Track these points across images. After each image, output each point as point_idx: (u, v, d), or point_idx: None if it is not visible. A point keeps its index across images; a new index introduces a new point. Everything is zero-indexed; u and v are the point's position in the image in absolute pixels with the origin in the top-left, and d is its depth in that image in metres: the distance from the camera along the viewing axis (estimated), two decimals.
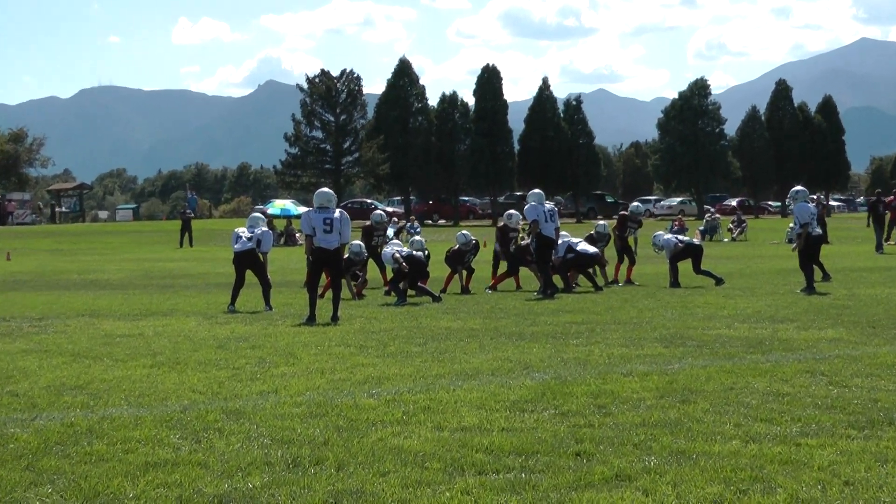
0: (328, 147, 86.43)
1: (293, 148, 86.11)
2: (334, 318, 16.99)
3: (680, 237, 25.38)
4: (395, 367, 11.58)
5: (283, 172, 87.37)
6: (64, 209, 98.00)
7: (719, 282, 23.24)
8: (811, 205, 22.12)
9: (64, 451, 7.76)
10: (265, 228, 20.53)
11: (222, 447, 7.84)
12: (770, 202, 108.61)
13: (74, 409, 9.40)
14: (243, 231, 20.26)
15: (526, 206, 22.38)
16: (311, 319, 16.95)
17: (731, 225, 59.00)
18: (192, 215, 59.16)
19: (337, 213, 17.49)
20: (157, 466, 7.32)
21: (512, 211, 24.83)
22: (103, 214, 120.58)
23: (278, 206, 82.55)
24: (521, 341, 13.84)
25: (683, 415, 8.73)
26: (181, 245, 55.30)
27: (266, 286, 19.80)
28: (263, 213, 78.38)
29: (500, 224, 24.33)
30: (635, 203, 26.61)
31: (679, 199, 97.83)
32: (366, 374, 11.09)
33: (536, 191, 23.01)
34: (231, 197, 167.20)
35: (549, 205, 22.50)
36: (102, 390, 10.32)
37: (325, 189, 18.40)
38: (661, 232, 25.73)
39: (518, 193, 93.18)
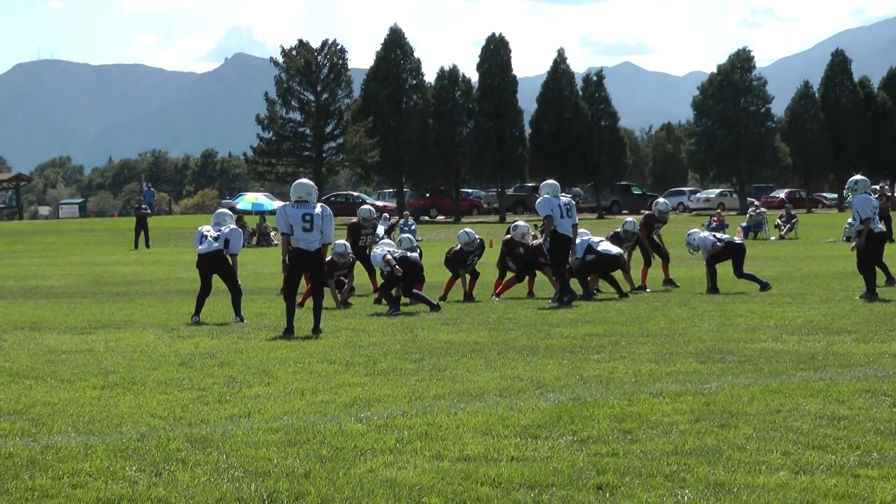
0: (307, 131, 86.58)
1: (266, 132, 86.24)
2: (315, 331, 17.05)
3: (719, 235, 25.44)
4: (386, 387, 11.64)
5: (254, 161, 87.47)
6: None
7: (765, 287, 23.29)
8: (873, 197, 22.20)
9: (2, 487, 7.81)
10: (234, 226, 20.60)
11: (186, 480, 7.89)
12: (825, 194, 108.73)
13: (13, 437, 9.45)
14: (208, 230, 20.32)
15: (538, 200, 22.44)
16: (288, 332, 17.02)
17: (778, 221, 59.08)
18: (149, 212, 59.31)
19: (318, 208, 17.51)
20: (110, 503, 7.37)
21: (519, 222, 24.82)
22: (44, 210, 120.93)
23: (249, 200, 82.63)
24: (534, 357, 13.90)
25: (722, 441, 8.79)
26: (136, 246, 55.39)
27: (236, 293, 19.86)
28: (232, 208, 78.60)
29: (506, 238, 24.29)
30: (662, 200, 26.56)
31: (718, 190, 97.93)
32: (353, 396, 11.15)
33: (550, 182, 23.05)
34: (194, 190, 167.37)
35: (565, 198, 22.56)
36: (46, 415, 10.37)
37: (304, 180, 18.44)
38: (696, 229, 25.79)
39: (529, 185, 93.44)
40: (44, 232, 68.59)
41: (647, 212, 26.29)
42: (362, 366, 13.33)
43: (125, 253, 52.03)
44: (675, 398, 10.61)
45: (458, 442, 8.94)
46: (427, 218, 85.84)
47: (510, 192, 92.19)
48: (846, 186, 22.35)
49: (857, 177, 22.35)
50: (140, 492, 7.61)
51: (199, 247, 20.17)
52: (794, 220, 58.80)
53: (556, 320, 18.44)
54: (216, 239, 20.02)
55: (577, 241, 22.95)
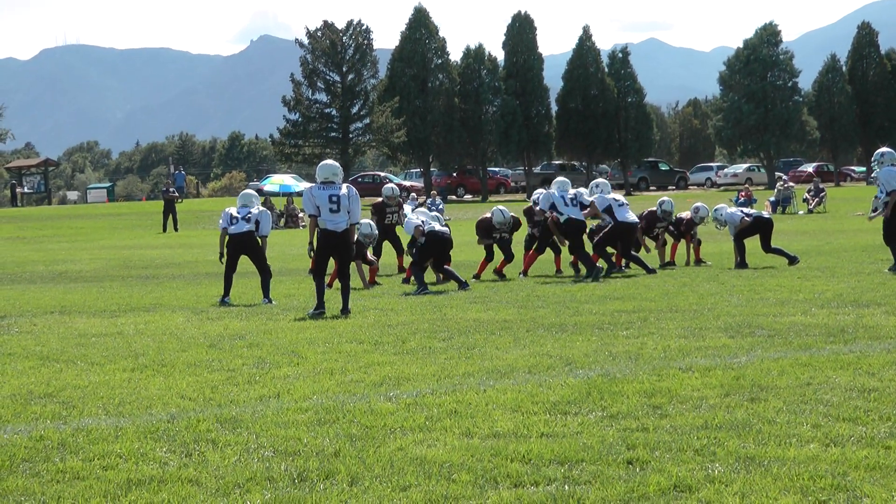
0: (334, 112, 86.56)
1: (293, 114, 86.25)
2: (344, 311, 17.07)
3: (747, 210, 25.40)
4: (415, 366, 11.64)
5: (281, 143, 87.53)
6: (27, 190, 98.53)
7: (793, 260, 23.25)
8: None
9: (33, 469, 7.85)
10: (262, 208, 20.61)
11: (217, 461, 7.92)
12: (853, 167, 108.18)
13: (44, 420, 9.49)
14: (235, 211, 20.34)
15: (541, 195, 22.96)
16: (318, 311, 17.05)
17: (806, 195, 58.92)
18: (177, 195, 59.40)
19: (344, 188, 17.52)
20: (141, 484, 7.40)
21: (539, 190, 25.04)
22: (73, 195, 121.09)
23: (276, 181, 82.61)
24: (563, 333, 13.89)
25: (752, 415, 8.76)
26: (164, 230, 55.54)
27: (265, 275, 19.89)
28: (259, 191, 78.65)
29: (525, 208, 24.62)
30: (668, 199, 25.86)
31: (746, 165, 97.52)
32: (382, 375, 11.16)
33: (561, 179, 23.48)
34: (221, 172, 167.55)
35: (573, 191, 22.88)
36: (76, 398, 10.41)
37: (330, 161, 18.46)
38: (723, 205, 25.69)
39: (556, 163, 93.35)
40: (72, 216, 68.83)
41: (651, 209, 25.76)
42: (391, 345, 13.34)
43: (153, 236, 52.20)
44: (704, 373, 10.58)
45: (487, 419, 8.94)
46: (454, 197, 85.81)
47: (537, 170, 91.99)
48: (873, 159, 22.22)
49: (884, 149, 22.20)
50: (171, 472, 7.63)
51: (230, 228, 20.14)
52: (822, 194, 58.60)
53: (584, 297, 18.41)
54: (247, 220, 20.01)
55: (596, 196, 23.64)
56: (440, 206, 51.86)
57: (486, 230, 23.79)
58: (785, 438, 7.99)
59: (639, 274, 22.67)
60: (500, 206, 24.55)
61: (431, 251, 21.31)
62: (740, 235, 23.92)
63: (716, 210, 24.79)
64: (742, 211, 24.75)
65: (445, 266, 21.61)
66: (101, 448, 8.32)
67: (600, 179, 24.85)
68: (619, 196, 24.34)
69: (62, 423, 9.27)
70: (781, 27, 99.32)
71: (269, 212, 20.72)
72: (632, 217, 23.63)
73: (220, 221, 20.61)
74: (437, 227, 21.87)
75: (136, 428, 8.98)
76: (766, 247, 23.97)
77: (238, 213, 20.23)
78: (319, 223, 17.45)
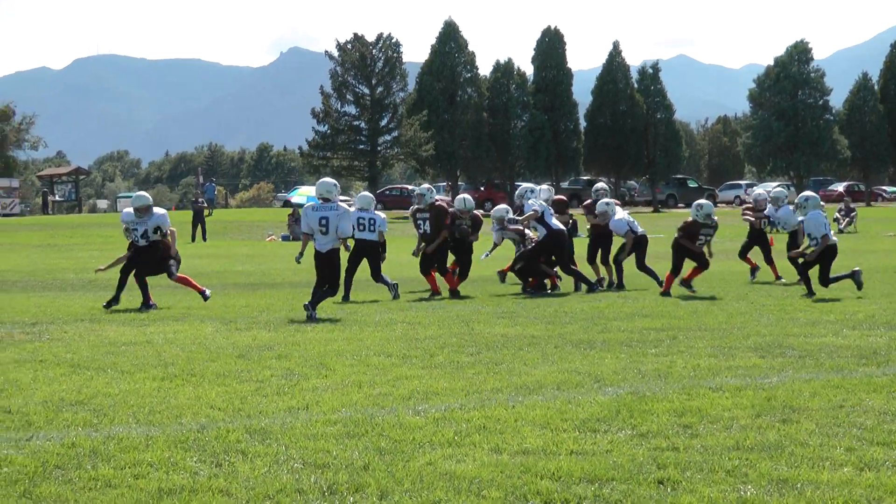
0: (362, 124, 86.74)
1: (322, 125, 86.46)
2: (307, 307, 18.27)
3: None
4: (444, 380, 11.63)
5: (309, 154, 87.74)
6: (58, 198, 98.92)
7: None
8: None
9: (65, 476, 7.86)
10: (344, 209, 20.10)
11: (247, 472, 7.92)
12: (884, 187, 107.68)
13: (75, 427, 9.51)
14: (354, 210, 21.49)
15: (527, 202, 23.08)
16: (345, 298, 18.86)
17: (837, 214, 58.67)
18: (205, 205, 59.57)
19: (337, 207, 18.86)
20: (172, 493, 7.40)
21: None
22: (103, 204, 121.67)
23: (304, 193, 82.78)
24: (591, 350, 13.85)
25: (784, 437, 8.72)
26: (193, 239, 55.70)
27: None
28: (287, 202, 78.86)
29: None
30: (702, 202, 25.81)
31: (775, 183, 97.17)
32: (410, 388, 11.15)
33: (544, 186, 23.63)
34: (250, 183, 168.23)
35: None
36: (107, 406, 10.43)
37: (327, 179, 19.69)
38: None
39: (584, 178, 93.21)
40: (102, 225, 69.02)
41: (687, 219, 25.67)
42: (419, 359, 13.33)
43: (182, 246, 52.07)
44: (735, 393, 10.54)
45: (516, 435, 8.92)
46: (481, 211, 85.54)
47: (565, 185, 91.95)
48: None
49: None
50: (201, 482, 7.63)
51: (358, 234, 21.36)
52: (853, 214, 58.39)
53: (612, 314, 18.37)
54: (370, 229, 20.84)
55: (617, 218, 23.98)
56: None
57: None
58: (818, 461, 7.94)
59: (653, 288, 22.57)
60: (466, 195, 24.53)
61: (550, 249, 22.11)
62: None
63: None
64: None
65: (572, 266, 22.92)
66: (133, 456, 8.34)
67: (539, 186, 24.75)
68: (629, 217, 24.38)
69: (94, 431, 9.29)
70: (813, 45, 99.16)
71: (348, 214, 20.00)
72: (641, 229, 23.95)
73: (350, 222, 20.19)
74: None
75: (167, 437, 8.99)
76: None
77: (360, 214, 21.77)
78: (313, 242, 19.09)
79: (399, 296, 22.15)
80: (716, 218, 23.42)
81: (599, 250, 24.50)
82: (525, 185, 23.14)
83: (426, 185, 25.08)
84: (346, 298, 21.76)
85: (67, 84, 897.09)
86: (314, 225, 18.82)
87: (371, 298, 22.21)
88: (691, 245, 22.63)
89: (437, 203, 23.83)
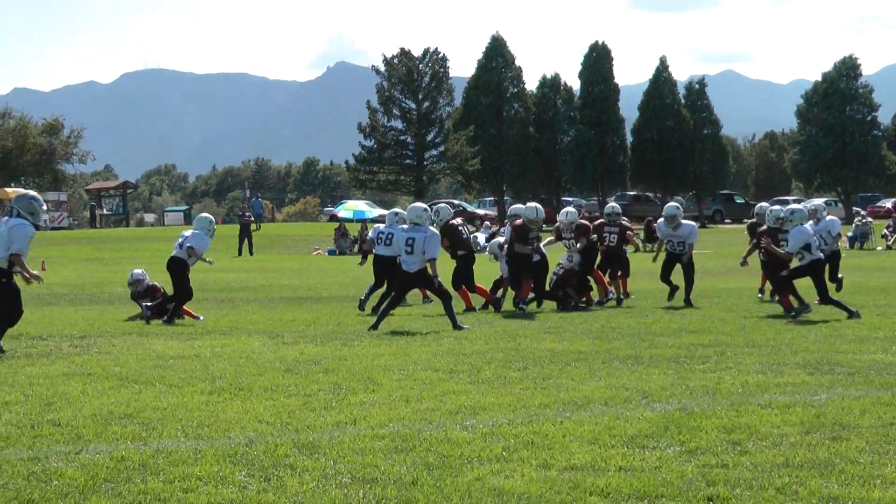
0: (409, 139, 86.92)
1: (368, 140, 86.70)
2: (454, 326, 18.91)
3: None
4: (491, 396, 11.61)
5: (356, 169, 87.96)
6: (105, 211, 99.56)
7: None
8: None
9: (115, 490, 7.90)
10: (431, 229, 20.14)
11: (295, 486, 7.93)
12: None
13: (125, 440, 9.56)
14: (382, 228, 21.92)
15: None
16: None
17: (885, 231, 58.25)
18: (252, 219, 59.79)
19: (427, 230, 19.44)
20: None
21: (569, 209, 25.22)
22: (150, 217, 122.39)
23: (350, 207, 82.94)
24: (639, 366, 13.81)
25: (834, 454, 8.66)
26: (240, 253, 55.94)
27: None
28: (333, 216, 78.99)
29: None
30: (762, 204, 25.36)
31: (822, 199, 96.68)
32: (458, 403, 11.14)
33: (531, 205, 23.29)
34: (296, 198, 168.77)
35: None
36: (155, 419, 10.48)
37: (418, 204, 20.31)
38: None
39: (631, 193, 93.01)
40: (149, 239, 69.42)
41: (751, 220, 25.58)
42: (466, 374, 13.32)
43: (229, 260, 52.50)
44: (784, 409, 10.48)
45: (564, 451, 8.89)
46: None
47: (611, 200, 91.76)
48: None
49: None
50: (250, 496, 7.65)
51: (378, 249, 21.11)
52: None
53: (659, 329, 18.31)
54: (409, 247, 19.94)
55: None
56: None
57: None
58: (869, 479, 7.88)
59: (701, 307, 22.46)
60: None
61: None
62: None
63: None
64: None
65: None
66: (182, 470, 8.37)
67: (529, 204, 24.53)
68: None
69: (142, 445, 9.33)
70: (861, 60, 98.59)
71: (436, 233, 20.03)
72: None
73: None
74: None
75: (215, 451, 9.02)
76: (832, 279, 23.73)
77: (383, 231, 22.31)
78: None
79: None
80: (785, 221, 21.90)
81: (609, 270, 24.94)
82: (517, 206, 22.86)
83: (443, 203, 25.26)
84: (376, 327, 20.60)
85: (115, 98, 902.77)
86: (401, 245, 19.53)
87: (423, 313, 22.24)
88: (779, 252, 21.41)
89: (450, 223, 23.90)
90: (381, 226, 23.27)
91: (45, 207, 16.78)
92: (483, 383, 12.53)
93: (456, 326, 18.77)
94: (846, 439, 9.18)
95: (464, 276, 23.34)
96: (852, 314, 19.96)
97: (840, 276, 24.05)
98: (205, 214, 23.09)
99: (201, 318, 21.47)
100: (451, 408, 10.91)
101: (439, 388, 12.21)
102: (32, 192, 16.62)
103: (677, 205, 24.87)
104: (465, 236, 23.78)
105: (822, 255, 21.09)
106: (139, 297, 22.48)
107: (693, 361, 14.15)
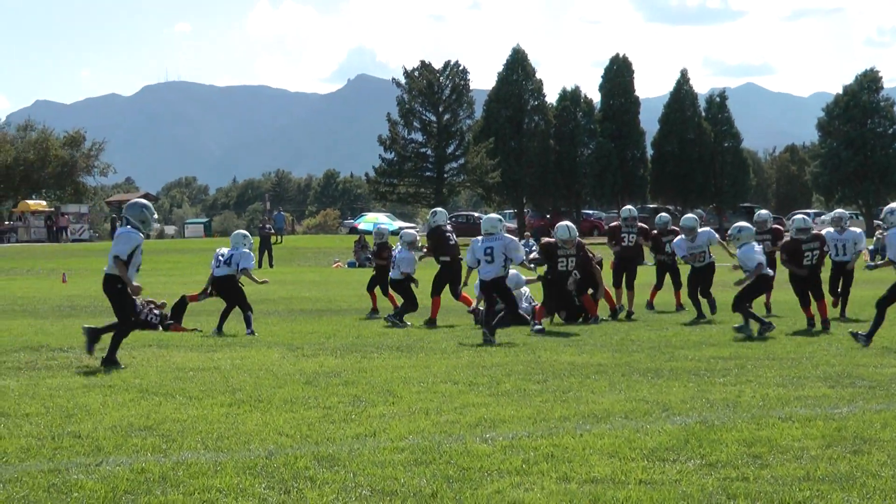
0: (429, 151, 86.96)
1: (388, 152, 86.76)
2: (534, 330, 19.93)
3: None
4: (511, 408, 11.61)
5: (376, 181, 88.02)
6: None
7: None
8: None
9: (135, 501, 7.92)
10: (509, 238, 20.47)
11: (315, 499, 7.93)
12: None
13: (145, 452, 9.58)
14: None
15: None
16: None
17: None
18: (273, 232, 59.84)
19: (504, 238, 19.82)
20: None
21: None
22: (170, 230, 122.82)
23: (370, 220, 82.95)
24: (658, 379, 13.79)
25: (856, 468, 8.63)
26: (259, 265, 55.99)
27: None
28: (353, 228, 79.04)
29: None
30: (797, 216, 24.86)
31: (830, 213, 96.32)
32: (477, 416, 11.14)
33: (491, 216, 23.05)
34: (316, 210, 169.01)
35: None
36: (175, 431, 10.50)
37: (492, 215, 20.80)
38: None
39: (651, 206, 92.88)
40: (170, 251, 69.57)
41: (778, 228, 25.18)
42: (486, 386, 13.32)
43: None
44: (804, 423, 10.45)
45: (584, 464, 8.88)
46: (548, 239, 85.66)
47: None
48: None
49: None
50: None
51: (482, 271, 20.30)
52: None
53: (679, 342, 18.29)
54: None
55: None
56: (533, 248, 51.76)
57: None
58: (890, 493, 7.85)
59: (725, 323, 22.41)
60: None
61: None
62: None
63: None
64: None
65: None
66: (202, 482, 8.38)
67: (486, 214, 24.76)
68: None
69: (162, 457, 9.35)
70: (883, 74, 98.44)
71: (517, 242, 20.69)
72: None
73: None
74: None
75: (235, 463, 9.03)
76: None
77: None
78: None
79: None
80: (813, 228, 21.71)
81: (624, 274, 25.01)
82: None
83: (440, 209, 25.08)
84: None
85: (137, 110, 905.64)
86: (479, 255, 19.75)
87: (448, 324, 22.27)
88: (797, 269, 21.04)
89: (439, 226, 23.98)
90: (223, 248, 23.14)
91: (156, 216, 16.77)
92: (503, 396, 12.53)
93: (491, 335, 18.82)
94: (867, 453, 9.15)
95: (444, 283, 23.35)
96: (764, 326, 19.50)
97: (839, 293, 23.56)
98: (240, 231, 23.26)
99: (199, 329, 22.14)
100: (471, 420, 10.91)
101: (459, 400, 12.21)
102: (144, 201, 16.44)
103: (695, 217, 24.54)
104: (451, 242, 23.66)
105: (770, 271, 20.96)
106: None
107: (713, 374, 14.13)
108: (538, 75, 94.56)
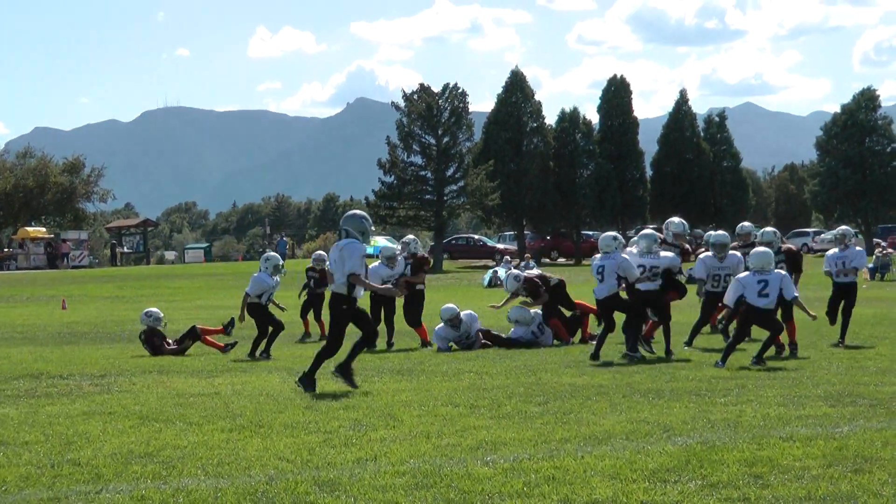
0: (429, 174, 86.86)
1: (388, 176, 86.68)
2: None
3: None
4: (512, 431, 11.59)
5: (376, 204, 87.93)
6: (126, 249, 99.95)
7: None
8: None
9: None
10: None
11: None
12: None
13: (145, 479, 9.56)
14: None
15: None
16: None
17: None
18: None
19: (618, 257, 19.57)
20: None
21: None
22: (170, 255, 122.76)
23: (371, 243, 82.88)
24: (659, 399, 13.77)
25: (857, 487, 8.62)
26: None
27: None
28: None
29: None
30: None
31: (834, 231, 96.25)
32: (478, 439, 11.12)
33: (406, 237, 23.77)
34: (316, 233, 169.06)
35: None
36: (176, 458, 10.49)
37: (609, 233, 20.25)
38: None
39: (651, 227, 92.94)
40: (170, 276, 69.63)
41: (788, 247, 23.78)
42: (487, 409, 13.30)
43: None
44: (806, 442, 10.43)
45: (585, 486, 8.87)
46: (548, 260, 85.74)
47: (631, 234, 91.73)
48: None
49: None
50: None
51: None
52: None
53: (679, 363, 18.27)
54: None
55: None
56: (533, 269, 51.79)
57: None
58: None
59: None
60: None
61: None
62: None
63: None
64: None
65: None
66: None
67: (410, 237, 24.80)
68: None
69: (163, 484, 9.33)
70: (881, 92, 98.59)
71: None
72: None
73: None
74: None
75: (236, 489, 9.01)
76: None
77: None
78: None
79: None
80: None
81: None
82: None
83: (411, 236, 25.06)
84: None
85: (136, 136, 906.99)
86: (593, 273, 19.82)
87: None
88: None
89: (420, 255, 24.14)
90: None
91: (373, 227, 16.57)
92: (504, 418, 12.51)
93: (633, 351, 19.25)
94: (869, 472, 9.14)
95: (420, 310, 23.53)
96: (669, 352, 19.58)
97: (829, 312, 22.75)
98: (270, 253, 23.36)
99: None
100: (472, 443, 10.89)
101: (460, 423, 12.19)
102: (362, 212, 16.24)
103: (726, 233, 22.42)
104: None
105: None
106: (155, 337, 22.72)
107: (714, 394, 14.11)
108: (537, 97, 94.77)
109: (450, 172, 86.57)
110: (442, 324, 22.47)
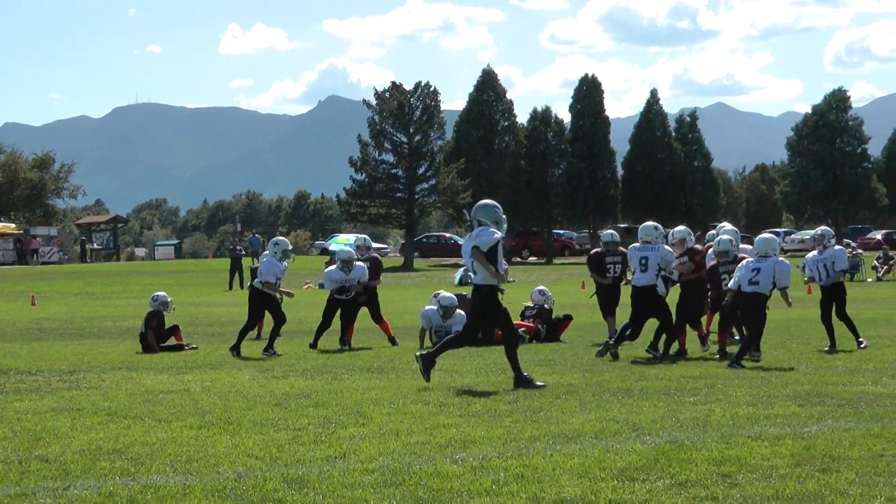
0: (400, 172, 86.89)
1: (359, 174, 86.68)
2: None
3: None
4: (481, 429, 11.60)
5: (347, 202, 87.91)
6: (96, 246, 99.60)
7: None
8: None
9: None
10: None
11: None
12: None
13: (113, 476, 9.53)
14: None
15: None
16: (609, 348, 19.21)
17: (875, 262, 58.38)
18: (244, 253, 59.70)
19: (661, 249, 19.40)
20: None
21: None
22: (141, 252, 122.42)
23: (342, 241, 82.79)
24: (629, 398, 13.80)
25: (824, 486, 8.65)
26: (230, 287, 55.86)
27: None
28: (325, 249, 78.98)
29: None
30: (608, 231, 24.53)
31: (813, 231, 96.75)
32: (448, 437, 11.13)
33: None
34: (287, 231, 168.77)
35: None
36: (144, 455, 10.46)
37: (649, 223, 20.10)
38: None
39: (622, 226, 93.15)
40: (140, 273, 69.43)
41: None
42: (456, 407, 13.30)
43: (220, 294, 52.50)
44: (774, 442, 10.47)
45: (554, 484, 8.88)
46: (519, 259, 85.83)
47: (603, 233, 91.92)
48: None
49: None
50: None
51: None
52: (891, 262, 58.08)
53: (649, 362, 18.31)
54: None
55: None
56: (505, 268, 51.77)
57: (599, 263, 23.13)
58: None
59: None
60: (610, 230, 24.23)
61: None
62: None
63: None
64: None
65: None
66: None
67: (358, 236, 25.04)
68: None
69: (131, 480, 9.30)
70: (851, 93, 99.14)
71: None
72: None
73: None
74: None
75: (204, 486, 8.99)
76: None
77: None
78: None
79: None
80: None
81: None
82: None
83: (364, 236, 25.00)
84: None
85: (107, 132, 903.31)
86: (634, 264, 19.56)
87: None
88: None
89: (374, 255, 24.27)
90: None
91: (504, 216, 16.21)
92: (473, 416, 12.52)
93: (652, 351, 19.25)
94: (836, 471, 9.18)
95: (375, 307, 23.58)
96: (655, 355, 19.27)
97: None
98: (279, 238, 23.30)
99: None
100: (441, 441, 10.89)
101: (429, 421, 12.19)
102: (492, 202, 16.28)
103: (731, 238, 20.96)
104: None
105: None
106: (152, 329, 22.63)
107: (683, 394, 14.14)
108: (509, 96, 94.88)
109: (421, 171, 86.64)
110: (434, 307, 22.49)
